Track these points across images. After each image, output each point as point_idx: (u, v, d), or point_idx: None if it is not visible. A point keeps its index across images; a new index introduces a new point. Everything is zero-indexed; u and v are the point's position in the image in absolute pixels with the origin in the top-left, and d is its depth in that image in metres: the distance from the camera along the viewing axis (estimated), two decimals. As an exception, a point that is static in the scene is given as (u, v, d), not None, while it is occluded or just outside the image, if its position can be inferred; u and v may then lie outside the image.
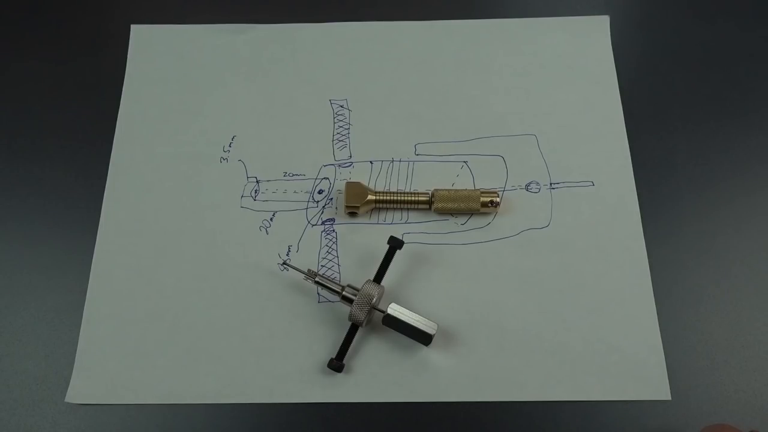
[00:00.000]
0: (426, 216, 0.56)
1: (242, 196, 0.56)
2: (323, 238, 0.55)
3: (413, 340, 0.50)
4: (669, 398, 0.49)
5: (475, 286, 0.53)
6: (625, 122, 0.59)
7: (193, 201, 0.56)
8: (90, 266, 0.54)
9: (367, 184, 0.56)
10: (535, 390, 0.49)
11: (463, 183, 0.57)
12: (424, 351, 0.50)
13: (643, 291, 0.52)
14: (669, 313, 0.52)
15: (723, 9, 0.65)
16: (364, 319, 0.49)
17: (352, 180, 0.56)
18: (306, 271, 0.51)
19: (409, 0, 0.66)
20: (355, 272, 0.53)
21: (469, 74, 0.61)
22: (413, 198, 0.55)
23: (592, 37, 0.63)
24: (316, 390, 0.49)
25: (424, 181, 0.57)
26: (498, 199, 0.54)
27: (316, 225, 0.55)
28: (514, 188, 0.57)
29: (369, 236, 0.55)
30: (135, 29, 0.64)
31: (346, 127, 0.59)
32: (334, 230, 0.55)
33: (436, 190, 0.55)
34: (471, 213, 0.55)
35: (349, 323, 0.50)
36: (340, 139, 0.59)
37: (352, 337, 0.50)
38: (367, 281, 0.50)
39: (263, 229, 0.55)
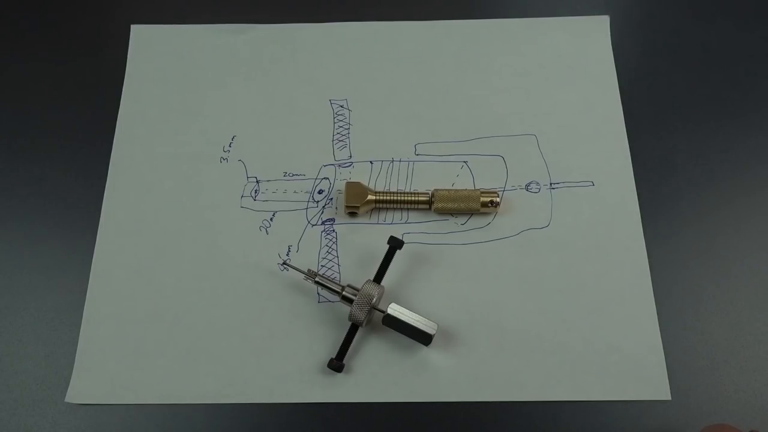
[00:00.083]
0: (426, 216, 0.56)
1: (242, 196, 0.56)
2: (323, 238, 0.55)
3: (413, 340, 0.50)
4: (669, 398, 0.49)
5: (475, 286, 0.53)
6: (625, 122, 0.59)
7: (193, 201, 0.56)
8: (90, 266, 0.54)
9: (367, 184, 0.56)
10: (535, 390, 0.49)
11: (463, 183, 0.57)
12: (424, 351, 0.50)
13: (643, 291, 0.52)
14: (669, 313, 0.52)
15: (723, 9, 0.65)
16: (364, 319, 0.49)
17: (352, 180, 0.56)
18: (306, 271, 0.51)
19: (409, 0, 0.66)
20: (355, 272, 0.53)
21: (469, 74, 0.61)
22: (413, 198, 0.55)
23: (592, 37, 0.63)
24: (316, 390, 0.49)
25: (424, 181, 0.57)
26: (498, 199, 0.54)
27: (316, 225, 0.55)
28: (514, 188, 0.57)
29: (369, 236, 0.55)
30: (135, 29, 0.64)
31: (346, 127, 0.59)
32: (334, 230, 0.55)
33: (436, 190, 0.55)
34: (471, 213, 0.55)
35: (349, 323, 0.50)
36: (340, 139, 0.59)
37: (352, 337, 0.50)
38: (367, 281, 0.50)
39: (263, 229, 0.55)
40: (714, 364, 0.50)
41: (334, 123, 0.59)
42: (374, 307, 0.50)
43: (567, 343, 0.51)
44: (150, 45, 0.63)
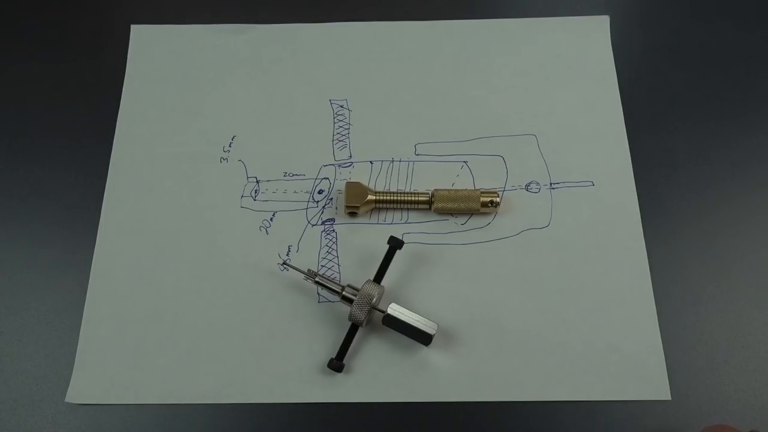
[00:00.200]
0: (426, 216, 0.56)
1: (242, 196, 0.56)
2: (323, 238, 0.55)
3: (413, 340, 0.50)
4: (669, 398, 0.49)
5: (475, 286, 0.53)
6: (625, 122, 0.59)
7: (193, 201, 0.56)
8: (90, 266, 0.54)
9: (367, 184, 0.56)
10: (535, 390, 0.49)
11: (463, 183, 0.57)
12: (424, 351, 0.50)
13: (643, 291, 0.52)
14: (669, 313, 0.52)
15: (723, 9, 0.65)
16: (364, 319, 0.49)
17: (352, 180, 0.56)
18: (306, 271, 0.51)
19: (409, 0, 0.66)
20: (355, 272, 0.53)
21: (469, 74, 0.61)
22: (413, 198, 0.55)
23: (592, 37, 0.63)
24: (316, 390, 0.49)
25: (424, 181, 0.57)
26: (498, 199, 0.54)
27: (316, 225, 0.55)
28: (514, 188, 0.57)
29: (369, 236, 0.55)
30: (135, 29, 0.64)
31: (346, 127, 0.59)
32: (334, 230, 0.55)
33: (436, 190, 0.55)
34: (471, 213, 0.55)
35: (349, 323, 0.50)
36: (340, 139, 0.59)
37: (352, 337, 0.50)
38: (367, 281, 0.50)
39: (263, 229, 0.55)
40: (714, 364, 0.50)
41: (334, 123, 0.59)
42: (374, 307, 0.50)
43: (567, 343, 0.51)
44: (150, 45, 0.63)
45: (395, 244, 0.51)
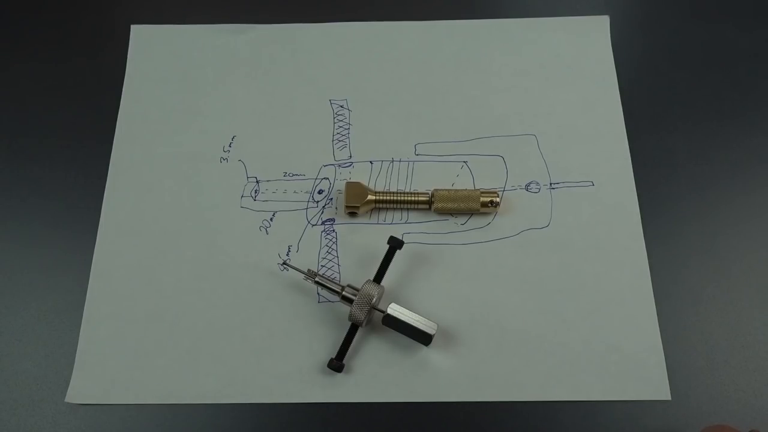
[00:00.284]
0: (426, 216, 0.56)
1: (242, 196, 0.56)
2: (323, 238, 0.55)
3: (413, 340, 0.50)
4: (669, 398, 0.49)
5: (475, 286, 0.53)
6: (625, 122, 0.59)
7: (193, 201, 0.56)
8: (90, 266, 0.54)
9: (367, 184, 0.56)
10: (535, 390, 0.49)
11: (463, 183, 0.57)
12: (424, 351, 0.50)
13: (643, 291, 0.52)
14: (669, 313, 0.52)
15: (723, 9, 0.65)
16: (364, 319, 0.49)
17: (352, 180, 0.56)
18: (306, 271, 0.51)
19: (409, 0, 0.66)
20: (355, 272, 0.53)
21: (469, 74, 0.61)
22: (413, 198, 0.55)
23: (592, 37, 0.63)
24: (316, 390, 0.49)
25: (424, 181, 0.57)
26: (498, 199, 0.54)
27: (316, 225, 0.55)
28: (514, 188, 0.57)
29: (369, 236, 0.55)
30: (135, 29, 0.64)
31: (346, 127, 0.59)
32: (334, 230, 0.55)
33: (436, 190, 0.55)
34: (471, 213, 0.55)
35: (349, 323, 0.50)
36: (340, 139, 0.59)
37: (352, 337, 0.50)
38: (367, 281, 0.50)
39: (263, 229, 0.55)
40: (714, 364, 0.50)
41: (334, 123, 0.59)
42: (374, 307, 0.50)
43: (567, 343, 0.51)
44: (150, 45, 0.63)
45: (395, 244, 0.51)
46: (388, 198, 0.55)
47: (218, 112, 0.60)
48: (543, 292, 0.52)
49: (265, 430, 0.49)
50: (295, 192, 0.57)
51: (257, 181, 0.57)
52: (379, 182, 0.57)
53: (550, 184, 0.57)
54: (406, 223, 0.55)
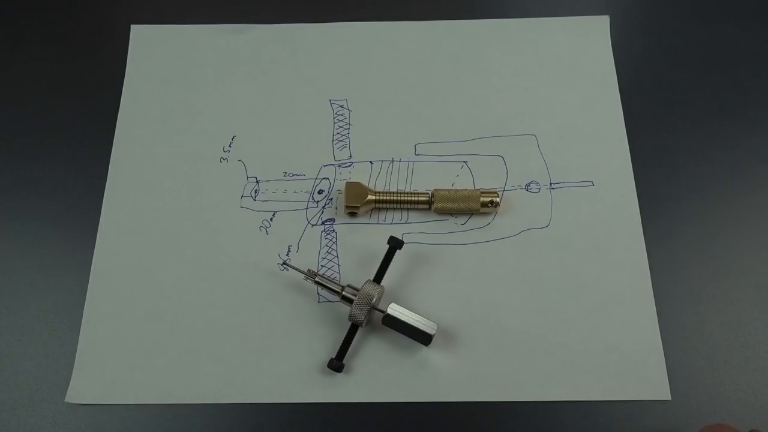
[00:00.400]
0: (426, 216, 0.56)
1: (242, 196, 0.56)
2: (323, 238, 0.55)
3: (413, 340, 0.50)
4: (669, 398, 0.49)
5: (475, 286, 0.53)
6: (625, 122, 0.59)
7: (193, 201, 0.56)
8: (90, 266, 0.54)
9: (367, 184, 0.56)
10: (535, 390, 0.49)
11: (463, 183, 0.57)
12: (424, 351, 0.50)
13: (643, 291, 0.52)
14: (669, 313, 0.52)
15: (723, 9, 0.65)
16: (364, 319, 0.49)
17: (352, 180, 0.56)
18: (306, 271, 0.51)
19: (409, 0, 0.66)
20: (355, 272, 0.53)
21: (469, 74, 0.61)
22: (413, 198, 0.55)
23: (592, 37, 0.63)
24: (316, 390, 0.49)
25: (424, 181, 0.57)
26: (498, 199, 0.54)
27: (316, 225, 0.55)
28: (514, 188, 0.57)
29: (369, 236, 0.55)
30: (135, 29, 0.64)
31: (346, 127, 0.59)
32: (334, 230, 0.55)
33: (436, 190, 0.55)
34: (471, 213, 0.55)
35: (349, 323, 0.50)
36: (340, 139, 0.59)
37: (352, 337, 0.50)
38: (367, 281, 0.50)
39: (263, 229, 0.55)
40: (714, 364, 0.50)
41: (334, 123, 0.59)
42: (374, 307, 0.50)
43: (567, 343, 0.51)
44: (150, 45, 0.63)
45: (395, 244, 0.51)
46: (388, 198, 0.55)
47: (218, 112, 0.60)
48: (543, 292, 0.52)
49: (265, 430, 0.49)
50: (295, 192, 0.57)
51: (257, 181, 0.57)
52: (379, 182, 0.57)
53: (550, 184, 0.57)
54: (406, 223, 0.55)
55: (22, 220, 0.56)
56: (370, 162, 0.58)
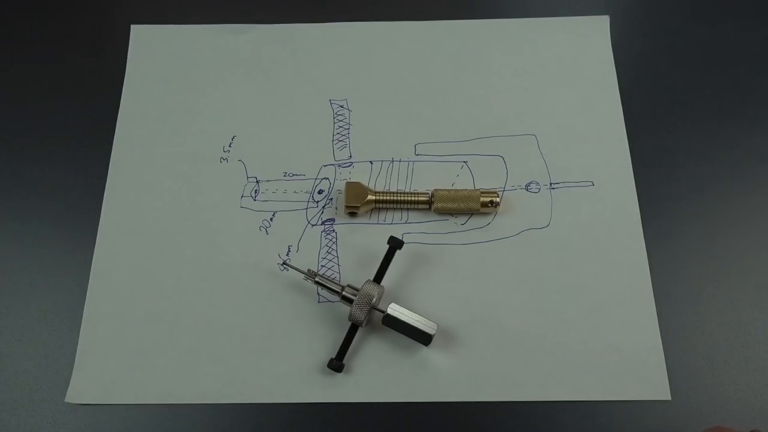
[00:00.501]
0: (426, 216, 0.56)
1: (242, 196, 0.56)
2: (323, 238, 0.55)
3: (413, 340, 0.50)
4: (669, 398, 0.49)
5: (475, 286, 0.53)
6: (625, 122, 0.59)
7: (193, 201, 0.56)
8: (90, 266, 0.54)
9: (367, 184, 0.56)
10: (535, 390, 0.49)
11: (463, 183, 0.57)
12: (424, 351, 0.50)
13: (643, 291, 0.52)
14: (669, 313, 0.52)
15: (723, 9, 0.65)
16: (364, 319, 0.49)
17: (352, 180, 0.56)
18: (306, 271, 0.51)
19: (409, 0, 0.66)
20: (355, 272, 0.53)
21: (469, 74, 0.61)
22: (413, 198, 0.55)
23: (592, 37, 0.63)
24: (316, 390, 0.49)
25: (424, 181, 0.57)
26: (498, 199, 0.54)
27: (316, 225, 0.55)
28: (514, 188, 0.57)
29: (369, 236, 0.55)
30: (135, 29, 0.64)
31: (346, 127, 0.59)
32: (334, 230, 0.55)
33: (436, 190, 0.55)
34: (471, 213, 0.55)
35: (349, 323, 0.50)
36: (340, 139, 0.59)
37: (352, 337, 0.50)
38: (367, 281, 0.50)
39: (263, 229, 0.55)
40: (714, 364, 0.50)
41: (334, 123, 0.59)
42: (374, 307, 0.50)
43: (567, 343, 0.51)
44: (150, 45, 0.63)
45: (395, 244, 0.51)
46: (388, 198, 0.55)
47: (218, 112, 0.60)
48: (543, 292, 0.52)
49: (265, 430, 0.49)
50: (295, 192, 0.57)
51: (257, 181, 0.57)
52: (379, 182, 0.57)
53: (550, 184, 0.57)
54: (406, 223, 0.55)
55: (22, 220, 0.56)
56: (370, 162, 0.58)
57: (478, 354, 0.50)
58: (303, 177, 0.57)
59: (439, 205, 0.55)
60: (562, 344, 0.51)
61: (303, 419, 0.49)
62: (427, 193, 0.55)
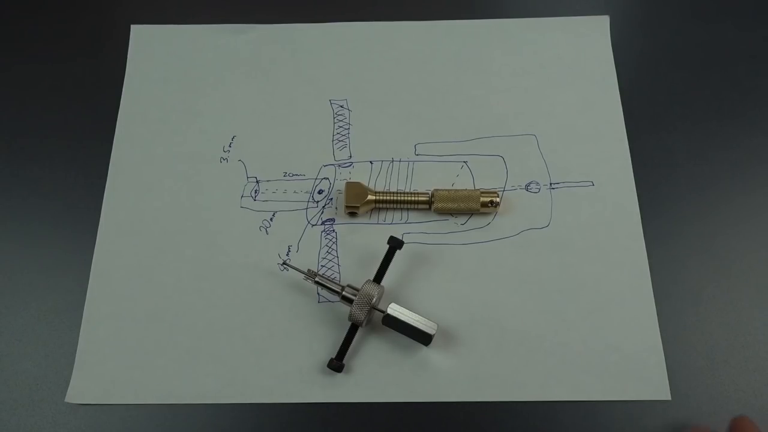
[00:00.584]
0: (426, 216, 0.56)
1: (242, 196, 0.56)
2: (323, 238, 0.55)
3: (413, 340, 0.50)
4: (669, 398, 0.49)
5: (475, 286, 0.53)
6: (625, 122, 0.59)
7: (193, 201, 0.56)
8: (90, 266, 0.54)
9: (367, 184, 0.56)
10: (535, 390, 0.49)
11: (463, 183, 0.57)
12: (424, 351, 0.50)
13: (643, 291, 0.52)
14: (669, 313, 0.52)
15: (723, 9, 0.65)
16: (364, 319, 0.49)
17: (352, 180, 0.56)
18: (306, 271, 0.51)
19: (409, 0, 0.66)
20: (355, 272, 0.53)
21: (469, 74, 0.61)
22: (413, 198, 0.55)
23: (592, 37, 0.63)
24: (316, 390, 0.49)
25: (424, 181, 0.57)
26: (498, 199, 0.54)
27: (316, 225, 0.55)
28: (514, 188, 0.57)
29: (369, 236, 0.55)
30: (135, 29, 0.64)
31: (346, 127, 0.59)
32: (334, 230, 0.55)
33: (436, 190, 0.55)
34: (471, 213, 0.55)
35: (349, 323, 0.50)
36: (340, 139, 0.59)
37: (352, 337, 0.50)
38: (367, 281, 0.50)
39: (263, 229, 0.55)
40: (714, 364, 0.50)
41: (334, 123, 0.59)
42: (374, 307, 0.50)
43: (567, 343, 0.51)
44: (150, 45, 0.63)
45: (395, 244, 0.51)
46: (388, 198, 0.55)
47: (218, 112, 0.60)
48: (543, 292, 0.52)
49: (265, 430, 0.49)
50: (295, 192, 0.57)
51: (257, 181, 0.57)
52: (379, 182, 0.57)
53: (550, 184, 0.57)
54: (406, 223, 0.55)
55: (22, 220, 0.56)
56: (370, 162, 0.58)
57: (478, 354, 0.50)
58: (303, 177, 0.57)
59: (439, 205, 0.55)
60: (562, 344, 0.51)
61: (303, 419, 0.49)
62: (427, 193, 0.55)
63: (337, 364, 0.49)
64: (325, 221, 0.56)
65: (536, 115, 0.59)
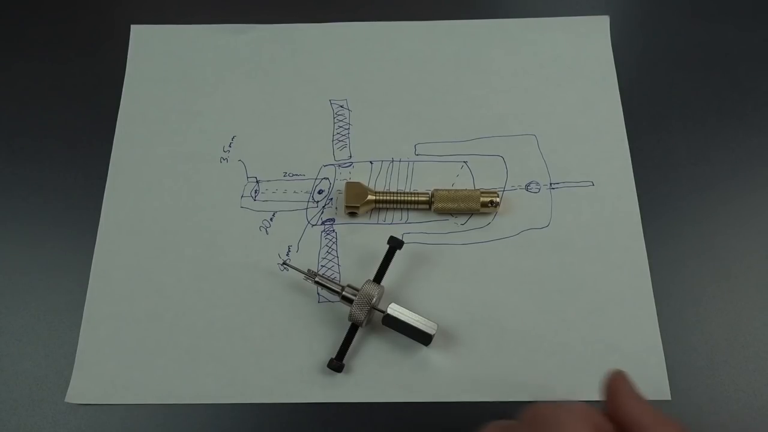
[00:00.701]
0: (426, 216, 0.56)
1: (242, 196, 0.56)
2: (323, 238, 0.55)
3: (413, 340, 0.50)
4: (669, 398, 0.49)
5: (475, 286, 0.53)
6: (625, 122, 0.59)
7: (193, 201, 0.56)
8: (90, 266, 0.54)
9: (367, 184, 0.56)
10: (535, 390, 0.49)
11: (463, 183, 0.57)
12: (424, 351, 0.50)
13: (643, 291, 0.52)
14: (669, 313, 0.52)
15: (723, 9, 0.65)
16: (364, 319, 0.49)
17: (352, 180, 0.56)
18: (306, 271, 0.51)
19: (409, 0, 0.66)
20: (355, 272, 0.53)
21: (469, 74, 0.61)
22: (413, 198, 0.55)
23: (592, 37, 0.63)
24: (316, 390, 0.49)
25: (424, 181, 0.57)
26: (498, 199, 0.54)
27: (316, 225, 0.55)
28: (514, 188, 0.57)
29: (369, 236, 0.55)
30: (135, 29, 0.64)
31: (346, 127, 0.59)
32: (334, 230, 0.55)
33: (436, 190, 0.55)
34: (471, 213, 0.55)
35: (349, 323, 0.50)
36: (340, 139, 0.59)
37: (352, 337, 0.50)
38: (367, 281, 0.50)
39: (263, 229, 0.55)
40: (714, 364, 0.50)
41: (334, 123, 0.59)
42: (374, 307, 0.50)
43: (567, 343, 0.51)
44: (150, 45, 0.63)
45: (395, 244, 0.51)
46: (388, 198, 0.55)
47: (218, 112, 0.60)
48: (543, 292, 0.52)
49: (265, 430, 0.49)
50: (295, 192, 0.57)
51: (257, 181, 0.57)
52: (379, 182, 0.57)
53: (550, 184, 0.57)
54: (406, 223, 0.55)
55: (22, 220, 0.56)
56: (370, 162, 0.58)
57: (478, 354, 0.50)
58: (303, 177, 0.57)
59: (439, 205, 0.55)
60: (562, 344, 0.51)
61: (303, 419, 0.49)
62: (427, 193, 0.55)
63: (337, 364, 0.49)
64: (325, 221, 0.56)
65: (536, 115, 0.59)
